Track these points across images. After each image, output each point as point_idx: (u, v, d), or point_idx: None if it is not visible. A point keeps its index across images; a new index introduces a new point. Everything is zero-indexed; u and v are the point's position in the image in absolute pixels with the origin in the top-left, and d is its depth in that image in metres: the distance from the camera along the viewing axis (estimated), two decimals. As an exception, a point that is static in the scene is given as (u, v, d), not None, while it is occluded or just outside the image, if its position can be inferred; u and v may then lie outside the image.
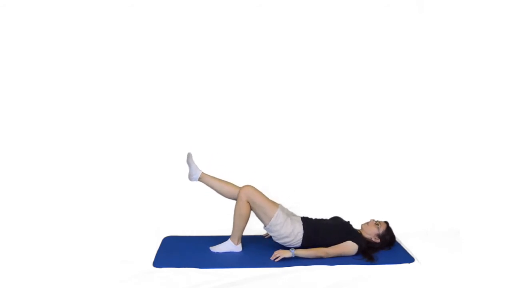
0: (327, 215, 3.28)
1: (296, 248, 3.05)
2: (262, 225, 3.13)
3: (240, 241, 3.12)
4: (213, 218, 3.51)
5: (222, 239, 3.17)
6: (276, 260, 2.95)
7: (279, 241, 3.11)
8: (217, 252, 3.10)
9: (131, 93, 3.94)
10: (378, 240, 3.12)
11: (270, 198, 3.13)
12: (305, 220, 3.15)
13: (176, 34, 3.91)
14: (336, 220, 3.23)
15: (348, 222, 3.22)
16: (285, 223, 3.06)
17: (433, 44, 3.90)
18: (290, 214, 3.19)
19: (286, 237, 3.06)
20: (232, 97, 3.98)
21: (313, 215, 3.24)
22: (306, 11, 3.93)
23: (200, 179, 3.18)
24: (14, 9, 3.77)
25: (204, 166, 3.24)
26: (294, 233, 3.06)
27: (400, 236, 3.30)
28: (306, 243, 3.07)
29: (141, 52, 3.91)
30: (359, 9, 3.93)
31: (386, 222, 3.21)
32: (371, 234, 3.13)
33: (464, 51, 3.79)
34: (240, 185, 3.14)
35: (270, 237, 3.35)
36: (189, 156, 3.19)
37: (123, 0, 3.84)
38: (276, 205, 3.11)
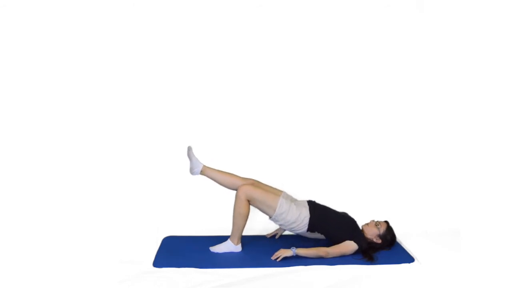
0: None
1: (301, 232, 3.04)
2: (262, 224, 3.13)
3: (240, 241, 3.11)
4: (213, 218, 3.50)
5: (222, 239, 3.17)
6: (277, 260, 2.94)
7: (286, 228, 3.10)
8: (217, 252, 3.10)
9: (131, 92, 3.93)
10: (379, 241, 3.12)
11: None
12: (312, 204, 3.14)
13: (178, 32, 3.90)
14: (344, 214, 3.22)
15: (355, 220, 3.22)
16: (290, 210, 3.04)
17: (433, 44, 3.90)
18: (293, 200, 3.18)
19: (293, 222, 3.05)
20: (232, 97, 3.96)
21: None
22: (306, 11, 3.93)
23: (202, 173, 3.11)
24: (14, 9, 3.77)
25: (204, 161, 3.18)
26: (300, 218, 3.05)
27: (400, 236, 3.30)
28: (312, 228, 3.07)
29: (141, 51, 3.89)
30: (359, 9, 3.92)
31: (386, 222, 3.21)
32: (372, 235, 3.13)
33: (464, 50, 3.78)
34: (243, 176, 3.11)
35: (272, 236, 3.36)
36: (189, 149, 3.12)
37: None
38: (277, 194, 3.10)
